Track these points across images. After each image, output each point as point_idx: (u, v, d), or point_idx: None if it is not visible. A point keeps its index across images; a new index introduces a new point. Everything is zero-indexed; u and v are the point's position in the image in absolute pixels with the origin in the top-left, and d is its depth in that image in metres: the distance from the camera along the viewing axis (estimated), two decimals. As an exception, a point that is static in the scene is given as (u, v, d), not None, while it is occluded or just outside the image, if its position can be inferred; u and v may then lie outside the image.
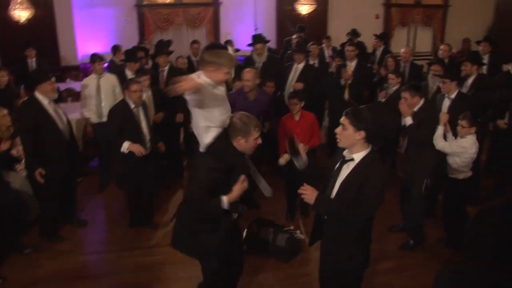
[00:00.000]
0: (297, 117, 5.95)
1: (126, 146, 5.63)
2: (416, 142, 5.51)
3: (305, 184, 3.41)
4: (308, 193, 3.36)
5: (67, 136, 5.81)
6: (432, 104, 5.82)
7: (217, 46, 6.92)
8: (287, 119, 5.98)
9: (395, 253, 5.61)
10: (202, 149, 3.74)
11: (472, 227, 2.05)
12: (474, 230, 2.02)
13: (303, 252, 5.61)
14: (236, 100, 5.91)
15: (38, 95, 5.58)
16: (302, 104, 5.95)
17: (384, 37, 10.55)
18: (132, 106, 5.78)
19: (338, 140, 3.40)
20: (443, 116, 5.36)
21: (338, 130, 3.37)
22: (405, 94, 5.49)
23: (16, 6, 9.75)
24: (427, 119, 5.36)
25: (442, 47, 8.85)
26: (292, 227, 5.93)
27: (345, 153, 3.44)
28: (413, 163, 5.61)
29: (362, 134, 3.25)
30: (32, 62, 9.34)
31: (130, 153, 5.65)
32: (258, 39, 8.00)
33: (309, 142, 5.64)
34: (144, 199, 6.18)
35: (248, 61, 8.08)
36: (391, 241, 5.85)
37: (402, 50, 8.76)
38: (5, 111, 5.63)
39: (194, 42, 9.79)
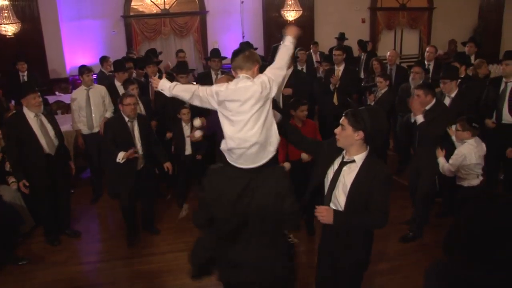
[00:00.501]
0: (299, 123, 5.93)
1: (121, 156, 5.61)
2: (429, 138, 5.50)
3: (317, 206, 3.36)
4: (325, 214, 3.31)
5: (52, 149, 5.79)
6: (443, 104, 5.87)
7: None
8: None
9: (391, 255, 5.63)
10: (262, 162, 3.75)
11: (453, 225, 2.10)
12: (452, 227, 2.07)
13: (298, 258, 5.62)
14: None
15: (25, 109, 5.61)
16: None
17: (365, 46, 10.63)
18: (127, 119, 5.80)
19: (337, 140, 3.42)
20: (439, 152, 5.40)
21: (338, 130, 3.39)
22: (419, 92, 5.53)
23: (3, 21, 9.70)
24: (437, 119, 5.41)
25: (428, 49, 8.85)
26: (286, 231, 5.94)
27: (344, 154, 3.45)
28: (426, 160, 5.63)
29: (360, 134, 3.27)
30: (24, 76, 9.32)
31: (123, 163, 5.66)
32: (245, 46, 8.03)
33: None
34: (144, 206, 6.23)
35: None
36: (387, 243, 5.87)
37: (388, 53, 8.83)
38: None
39: (180, 51, 9.86)
